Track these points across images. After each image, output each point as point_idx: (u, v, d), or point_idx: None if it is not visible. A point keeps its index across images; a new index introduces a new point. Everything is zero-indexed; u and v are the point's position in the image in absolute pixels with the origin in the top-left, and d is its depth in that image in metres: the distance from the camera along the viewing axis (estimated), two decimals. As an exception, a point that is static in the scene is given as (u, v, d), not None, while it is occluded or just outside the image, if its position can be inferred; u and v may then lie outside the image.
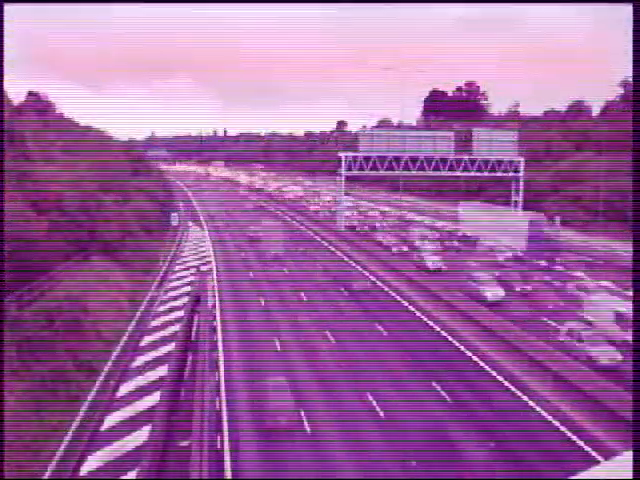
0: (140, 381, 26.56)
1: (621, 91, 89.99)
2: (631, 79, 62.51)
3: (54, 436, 20.73)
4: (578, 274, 45.75)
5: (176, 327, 32.68)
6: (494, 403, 24.22)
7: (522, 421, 22.36)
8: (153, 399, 23.95)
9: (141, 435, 21.29)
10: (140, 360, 29.31)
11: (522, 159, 74.40)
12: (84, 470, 19.73)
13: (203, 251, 59.74)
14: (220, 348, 30.82)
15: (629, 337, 26.20)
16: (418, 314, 36.60)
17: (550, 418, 22.61)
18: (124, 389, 25.90)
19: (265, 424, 21.97)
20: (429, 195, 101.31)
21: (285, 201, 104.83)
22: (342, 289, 42.90)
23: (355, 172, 68.95)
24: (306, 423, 22.28)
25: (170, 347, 29.30)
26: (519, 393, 24.86)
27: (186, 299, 38.19)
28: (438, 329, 33.58)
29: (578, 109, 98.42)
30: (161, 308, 38.50)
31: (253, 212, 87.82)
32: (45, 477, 18.60)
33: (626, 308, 29.63)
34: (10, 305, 25.79)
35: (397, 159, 68.00)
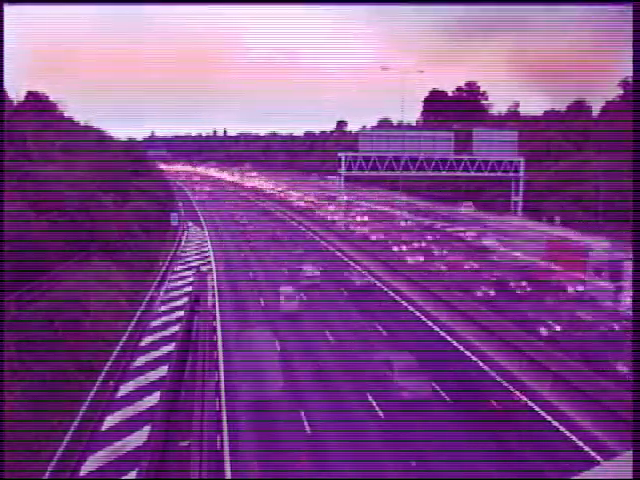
0: (140, 381, 26.56)
1: (621, 91, 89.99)
2: (631, 79, 62.47)
3: (54, 436, 20.73)
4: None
5: (176, 327, 32.68)
6: (494, 403, 24.17)
7: (522, 421, 22.35)
8: (153, 399, 23.96)
9: (141, 435, 21.30)
10: (140, 360, 29.32)
11: (522, 159, 74.45)
12: (84, 470, 19.73)
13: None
14: (220, 348, 30.82)
15: None
16: (418, 314, 36.60)
17: (550, 418, 22.62)
18: (124, 389, 25.90)
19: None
20: (429, 195, 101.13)
21: None
22: (342, 289, 42.89)
23: (355, 172, 69.02)
24: (306, 423, 22.29)
25: (170, 347, 29.30)
26: (519, 393, 24.82)
27: (186, 299, 38.19)
28: (437, 329, 33.59)
29: (578, 109, 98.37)
30: (161, 308, 38.49)
31: None
32: (45, 477, 18.60)
33: None
34: (10, 305, 25.78)
35: (397, 159, 68.08)
